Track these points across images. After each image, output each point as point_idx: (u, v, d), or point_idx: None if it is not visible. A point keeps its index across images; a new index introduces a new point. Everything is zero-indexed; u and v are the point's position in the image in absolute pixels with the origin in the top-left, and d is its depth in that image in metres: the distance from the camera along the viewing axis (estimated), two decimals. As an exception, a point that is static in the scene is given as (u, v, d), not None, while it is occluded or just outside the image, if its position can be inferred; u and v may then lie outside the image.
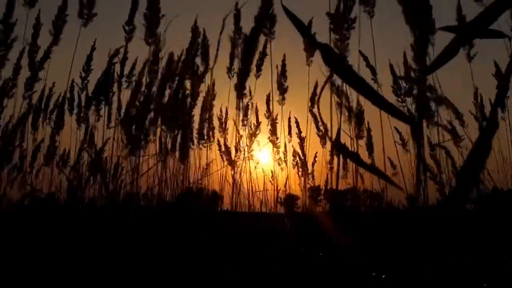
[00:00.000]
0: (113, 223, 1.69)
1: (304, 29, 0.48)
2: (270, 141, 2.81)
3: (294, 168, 3.06)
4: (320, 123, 2.99)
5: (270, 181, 2.87)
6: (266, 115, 2.87)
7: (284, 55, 2.76)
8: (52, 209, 2.15)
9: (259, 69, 2.39)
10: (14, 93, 2.26)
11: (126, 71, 2.50)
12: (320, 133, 3.08)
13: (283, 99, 2.73)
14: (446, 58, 0.47)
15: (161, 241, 1.59)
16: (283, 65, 2.72)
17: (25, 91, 2.27)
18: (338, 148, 0.52)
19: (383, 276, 1.40)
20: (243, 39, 2.02)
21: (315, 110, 2.87)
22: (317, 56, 2.48)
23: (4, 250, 1.43)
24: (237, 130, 2.41)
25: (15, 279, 1.29)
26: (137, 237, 1.57)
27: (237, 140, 2.47)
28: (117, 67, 2.44)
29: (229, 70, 2.39)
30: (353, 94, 2.26)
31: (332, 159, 3.14)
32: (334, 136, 3.09)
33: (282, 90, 2.70)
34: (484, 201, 1.66)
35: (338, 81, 2.27)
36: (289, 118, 2.99)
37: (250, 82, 2.56)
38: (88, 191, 2.17)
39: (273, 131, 2.82)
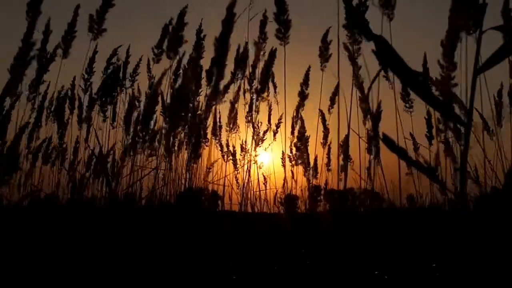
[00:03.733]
0: (113, 223, 1.70)
1: (361, 21, 0.48)
2: (295, 146, 2.87)
3: (297, 166, 3.08)
4: (327, 123, 3.07)
5: (264, 184, 2.90)
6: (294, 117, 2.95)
7: (309, 66, 2.86)
8: (52, 209, 2.15)
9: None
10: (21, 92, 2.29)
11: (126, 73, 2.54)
12: (327, 131, 3.15)
13: (303, 105, 2.85)
14: (499, 58, 0.47)
15: (161, 241, 1.59)
16: (306, 73, 2.83)
17: (29, 93, 2.28)
18: (387, 143, 0.52)
19: (385, 276, 1.41)
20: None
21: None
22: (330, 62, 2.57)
23: (4, 250, 1.44)
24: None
25: (15, 279, 1.29)
26: (137, 237, 1.57)
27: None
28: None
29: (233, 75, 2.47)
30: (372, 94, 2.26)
31: (338, 158, 3.17)
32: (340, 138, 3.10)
33: (303, 97, 2.82)
34: (484, 201, 1.68)
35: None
36: (293, 117, 3.00)
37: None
38: (89, 191, 2.18)
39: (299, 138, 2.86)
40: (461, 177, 0.63)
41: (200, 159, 2.22)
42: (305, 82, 2.81)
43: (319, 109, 3.01)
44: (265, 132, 2.84)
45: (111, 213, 1.83)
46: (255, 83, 2.42)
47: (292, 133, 3.08)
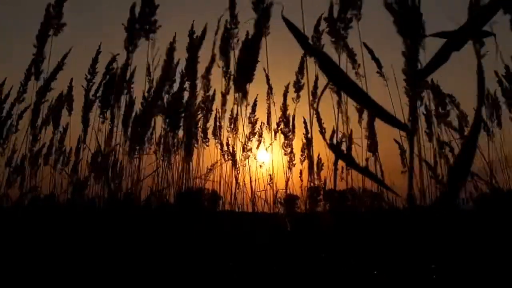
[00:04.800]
0: (113, 223, 1.70)
1: (302, 39, 0.49)
2: (282, 133, 2.83)
3: (301, 164, 3.07)
4: (323, 122, 3.01)
5: (269, 184, 2.89)
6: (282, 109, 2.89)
7: (304, 54, 2.69)
8: (52, 209, 2.15)
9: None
10: (24, 98, 2.34)
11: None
12: (323, 131, 3.10)
13: (298, 97, 2.72)
14: (438, 63, 0.48)
15: (160, 241, 1.59)
16: (301, 62, 2.66)
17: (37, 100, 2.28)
18: (332, 149, 0.53)
19: (384, 276, 1.41)
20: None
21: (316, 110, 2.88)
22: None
23: (4, 250, 1.44)
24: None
25: (16, 278, 1.29)
26: (136, 238, 1.57)
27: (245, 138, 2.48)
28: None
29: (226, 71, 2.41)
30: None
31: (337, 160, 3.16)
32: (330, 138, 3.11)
33: (298, 87, 2.68)
34: (484, 201, 1.68)
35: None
36: (293, 117, 2.99)
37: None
38: (90, 191, 2.18)
39: (286, 123, 2.83)
40: (409, 179, 0.63)
41: (193, 159, 2.21)
42: (301, 71, 2.67)
43: (315, 108, 2.96)
44: (260, 135, 2.82)
45: (110, 213, 1.83)
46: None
47: (293, 131, 3.05)
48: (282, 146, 2.89)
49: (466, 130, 2.34)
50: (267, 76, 2.81)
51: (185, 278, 1.40)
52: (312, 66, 2.75)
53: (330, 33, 2.07)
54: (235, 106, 2.42)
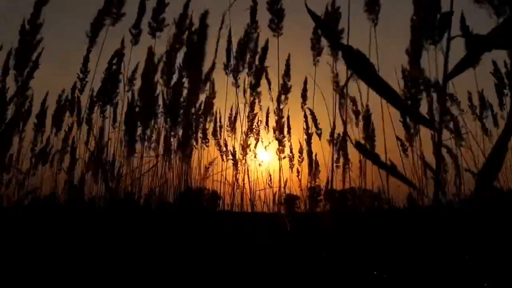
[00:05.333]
0: (113, 223, 1.70)
1: (328, 31, 0.49)
2: (277, 139, 2.82)
3: (299, 165, 3.07)
4: (319, 122, 3.01)
5: (269, 184, 2.89)
6: (275, 112, 2.87)
7: (289, 55, 2.70)
8: (52, 209, 2.15)
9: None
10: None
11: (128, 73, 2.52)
12: (319, 132, 3.10)
13: (286, 99, 2.68)
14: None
15: (160, 242, 1.59)
16: (287, 63, 2.65)
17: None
18: (358, 148, 0.53)
19: (384, 275, 1.41)
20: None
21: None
22: (323, 56, 2.45)
23: (4, 250, 1.44)
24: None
25: (16, 278, 1.29)
26: (136, 238, 1.57)
27: (244, 138, 2.48)
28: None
29: (226, 67, 2.39)
30: (359, 96, 2.26)
31: (338, 158, 3.16)
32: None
33: (286, 90, 2.65)
34: (483, 200, 1.68)
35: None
36: (288, 117, 2.99)
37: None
38: (91, 191, 2.18)
39: (281, 130, 2.83)
40: (436, 183, 0.63)
41: (193, 159, 2.21)
42: (286, 73, 2.63)
43: (309, 109, 2.96)
44: (257, 133, 2.81)
45: (110, 213, 1.83)
46: (251, 78, 2.35)
47: (288, 132, 3.04)
48: (276, 152, 2.89)
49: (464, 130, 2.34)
50: (266, 73, 2.79)
51: (185, 278, 1.40)
52: (302, 69, 2.75)
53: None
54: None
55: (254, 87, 2.34)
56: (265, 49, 2.38)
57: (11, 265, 1.34)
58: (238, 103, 2.41)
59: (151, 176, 2.06)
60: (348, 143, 2.68)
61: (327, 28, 0.51)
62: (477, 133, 2.44)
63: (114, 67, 2.33)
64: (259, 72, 2.28)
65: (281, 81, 2.62)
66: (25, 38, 2.04)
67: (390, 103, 0.49)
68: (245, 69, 2.37)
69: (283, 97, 2.64)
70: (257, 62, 2.35)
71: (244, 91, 2.44)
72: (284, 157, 2.93)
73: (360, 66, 0.49)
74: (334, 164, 3.20)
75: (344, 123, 2.28)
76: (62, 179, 2.65)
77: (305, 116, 2.99)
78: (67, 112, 2.79)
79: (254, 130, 2.77)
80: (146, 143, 2.16)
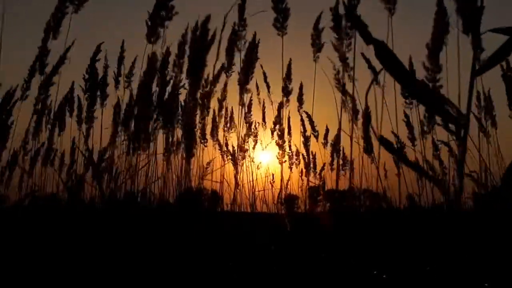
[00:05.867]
0: (113, 223, 1.70)
1: (361, 25, 0.49)
2: (277, 144, 2.83)
3: (297, 167, 3.07)
4: (316, 124, 3.03)
5: (271, 183, 2.89)
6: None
7: (290, 59, 2.65)
8: (51, 209, 2.15)
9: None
10: (27, 96, 2.27)
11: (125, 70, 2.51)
12: (316, 134, 3.10)
13: (288, 101, 2.66)
14: (498, 59, 0.47)
15: (159, 242, 1.59)
16: (289, 67, 2.60)
17: (39, 95, 2.25)
18: (384, 144, 0.53)
19: (383, 275, 1.41)
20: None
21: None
22: (323, 53, 2.43)
23: (4, 250, 1.44)
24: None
25: (16, 278, 1.29)
26: (135, 239, 1.57)
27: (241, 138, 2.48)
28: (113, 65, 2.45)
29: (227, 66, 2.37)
30: (359, 94, 2.25)
31: (332, 159, 3.17)
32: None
33: (287, 92, 2.60)
34: (483, 200, 1.68)
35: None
36: (289, 118, 2.99)
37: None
38: (90, 191, 2.18)
39: (281, 135, 2.83)
40: (459, 178, 0.63)
41: (194, 159, 2.20)
42: (288, 76, 2.59)
43: (305, 111, 2.96)
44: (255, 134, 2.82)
45: (110, 213, 1.83)
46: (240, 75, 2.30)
47: (289, 133, 3.05)
48: (276, 156, 2.90)
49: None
50: (264, 74, 2.79)
51: (185, 278, 1.40)
52: (298, 71, 2.75)
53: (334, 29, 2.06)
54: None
55: (244, 84, 2.31)
56: (253, 44, 2.33)
57: (11, 265, 1.34)
58: (243, 103, 2.42)
59: (149, 175, 2.06)
60: (346, 144, 2.70)
61: (359, 23, 0.51)
62: (476, 133, 2.43)
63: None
64: (246, 69, 2.25)
65: (282, 84, 2.59)
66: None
67: (419, 101, 0.49)
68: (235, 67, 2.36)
69: (284, 99, 2.62)
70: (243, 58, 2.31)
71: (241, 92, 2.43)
72: (285, 161, 2.94)
73: (391, 61, 0.48)
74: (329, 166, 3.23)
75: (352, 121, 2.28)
76: (61, 179, 2.65)
77: (302, 120, 3.01)
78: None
79: (252, 132, 2.78)
80: (143, 143, 2.15)
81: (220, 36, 2.23)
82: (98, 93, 2.32)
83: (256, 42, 2.35)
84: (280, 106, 2.82)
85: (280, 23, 2.29)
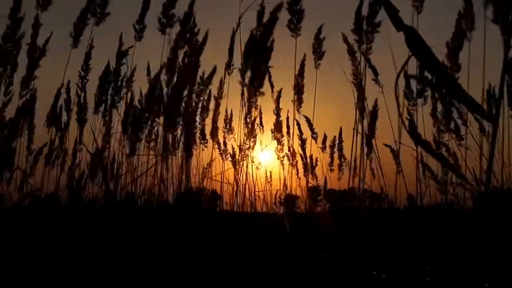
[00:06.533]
0: (113, 223, 1.70)
1: (393, 10, 0.49)
2: (275, 138, 2.83)
3: (294, 167, 3.06)
4: (314, 127, 3.03)
5: (269, 182, 2.88)
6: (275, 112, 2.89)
7: (305, 54, 2.64)
8: (52, 209, 2.15)
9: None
10: (11, 91, 2.19)
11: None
12: (315, 136, 3.11)
13: (299, 99, 2.65)
14: None
15: (160, 242, 1.59)
16: (302, 65, 2.61)
17: (21, 90, 2.20)
18: (420, 143, 0.53)
19: (383, 275, 1.41)
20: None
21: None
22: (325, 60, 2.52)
23: (5, 250, 1.44)
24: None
25: (16, 278, 1.29)
26: (134, 239, 1.57)
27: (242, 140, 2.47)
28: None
29: (228, 66, 2.36)
30: (369, 91, 2.29)
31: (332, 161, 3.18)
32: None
33: (298, 90, 2.62)
34: (483, 200, 1.67)
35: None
36: (287, 118, 2.98)
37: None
38: (89, 191, 2.18)
39: (279, 129, 2.84)
40: (487, 177, 0.64)
41: (193, 159, 2.21)
42: (301, 74, 2.62)
43: (304, 115, 2.96)
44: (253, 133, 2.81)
45: (110, 213, 1.83)
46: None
47: (288, 133, 3.04)
48: (275, 151, 2.89)
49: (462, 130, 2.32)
50: (269, 74, 2.78)
51: (185, 278, 1.40)
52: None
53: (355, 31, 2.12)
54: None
55: (258, 86, 2.31)
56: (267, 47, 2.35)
57: (11, 265, 1.35)
58: (244, 103, 2.41)
59: (151, 176, 2.06)
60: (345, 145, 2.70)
61: (390, 6, 0.51)
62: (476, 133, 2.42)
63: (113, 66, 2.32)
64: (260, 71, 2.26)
65: (294, 82, 2.62)
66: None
67: (445, 89, 0.49)
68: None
69: (295, 96, 2.62)
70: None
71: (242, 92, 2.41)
72: (283, 160, 2.93)
73: (420, 48, 0.49)
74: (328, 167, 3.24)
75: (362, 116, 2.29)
76: (63, 179, 2.65)
77: (298, 124, 3.02)
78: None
79: (253, 133, 2.77)
80: (145, 143, 2.16)
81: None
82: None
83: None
84: (278, 105, 2.82)
85: (294, 24, 2.33)
